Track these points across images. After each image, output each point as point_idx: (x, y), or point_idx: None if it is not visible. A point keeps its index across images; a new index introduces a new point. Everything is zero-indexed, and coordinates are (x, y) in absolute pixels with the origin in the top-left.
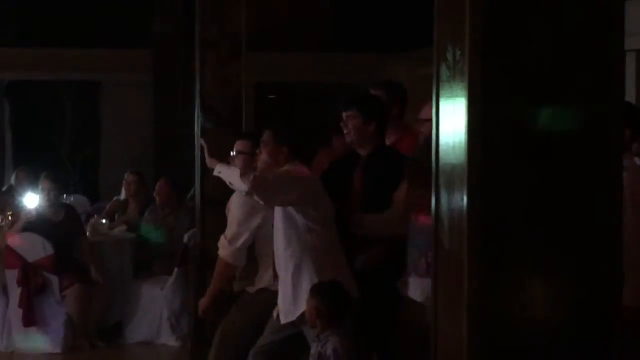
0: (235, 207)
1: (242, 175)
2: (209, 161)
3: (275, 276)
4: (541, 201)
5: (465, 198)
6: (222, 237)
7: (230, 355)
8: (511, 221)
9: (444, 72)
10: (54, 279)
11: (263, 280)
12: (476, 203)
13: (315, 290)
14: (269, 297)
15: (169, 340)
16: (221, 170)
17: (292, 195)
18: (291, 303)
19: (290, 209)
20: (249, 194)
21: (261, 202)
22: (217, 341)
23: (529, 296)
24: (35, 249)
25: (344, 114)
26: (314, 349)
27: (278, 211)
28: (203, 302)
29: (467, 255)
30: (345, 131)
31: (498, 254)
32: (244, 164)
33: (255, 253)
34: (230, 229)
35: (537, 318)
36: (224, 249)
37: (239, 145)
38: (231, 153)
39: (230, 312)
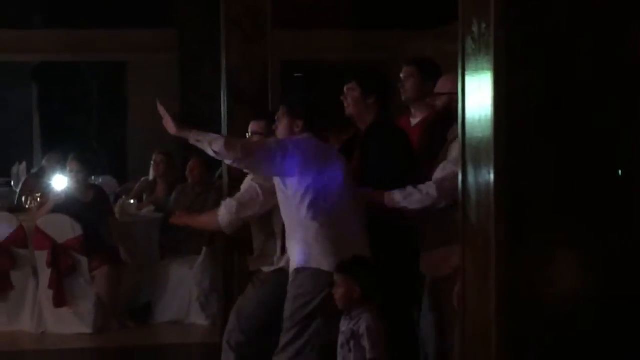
0: (255, 180)
1: (227, 143)
2: (175, 130)
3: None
4: (568, 174)
5: (492, 172)
6: (230, 200)
7: (244, 335)
8: (538, 194)
9: (470, 45)
10: (84, 260)
11: (281, 260)
12: (503, 176)
13: (345, 268)
14: (286, 278)
15: (199, 319)
16: (199, 139)
17: (282, 161)
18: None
19: (288, 182)
20: (235, 162)
21: (248, 171)
22: (232, 319)
23: (555, 270)
24: (65, 230)
25: (345, 87)
26: (345, 327)
27: (278, 184)
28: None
29: (494, 229)
30: (345, 104)
31: (525, 228)
32: None
33: (274, 232)
34: (244, 197)
35: (564, 292)
36: (228, 214)
37: (253, 125)
38: (246, 134)
39: (246, 291)
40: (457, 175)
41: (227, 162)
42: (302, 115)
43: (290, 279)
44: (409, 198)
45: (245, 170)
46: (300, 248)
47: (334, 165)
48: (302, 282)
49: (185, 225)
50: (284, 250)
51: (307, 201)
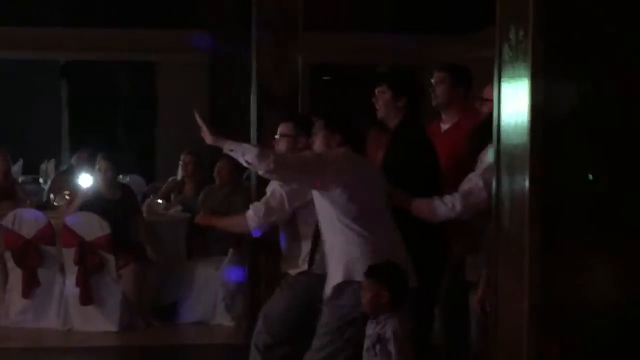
0: (281, 184)
1: (260, 154)
2: (211, 139)
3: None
4: (604, 182)
5: (526, 179)
6: (258, 204)
7: (271, 337)
8: (572, 202)
9: (507, 52)
10: (111, 258)
11: (307, 262)
12: (538, 184)
13: (374, 273)
14: (311, 280)
15: (224, 320)
16: (233, 149)
17: (318, 177)
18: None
19: (326, 194)
20: (267, 174)
21: (281, 182)
22: (259, 322)
23: (589, 277)
24: (92, 228)
25: (376, 90)
26: (371, 330)
27: (316, 197)
28: (202, 219)
29: (528, 236)
30: (376, 107)
31: (559, 235)
32: (287, 146)
33: (299, 234)
34: (270, 201)
35: (597, 299)
36: (256, 217)
37: (282, 127)
38: (275, 136)
39: (274, 293)
40: (481, 188)
41: (260, 172)
42: (340, 129)
43: (331, 292)
44: (433, 210)
45: (277, 181)
46: (342, 263)
47: (373, 178)
48: (345, 297)
49: (209, 227)
50: (312, 253)
51: (347, 215)
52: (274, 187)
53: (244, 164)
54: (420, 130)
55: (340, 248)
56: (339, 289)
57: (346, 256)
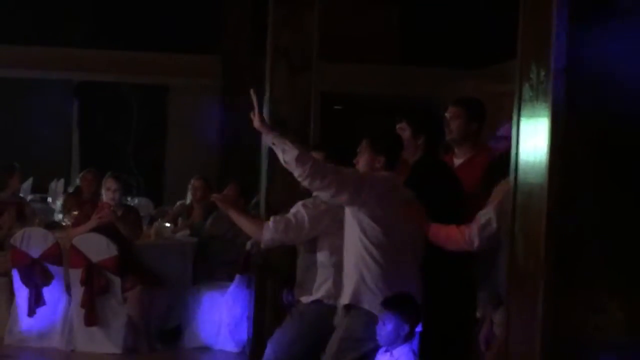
0: (305, 207)
1: (300, 157)
2: (258, 124)
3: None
4: (621, 224)
5: (543, 218)
6: (280, 218)
7: None
8: (588, 243)
9: (527, 91)
10: (117, 280)
11: (320, 291)
12: (554, 223)
13: (395, 304)
14: (324, 310)
15: (228, 346)
16: (275, 143)
17: (355, 195)
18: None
19: (357, 213)
20: (300, 178)
21: (312, 190)
22: (268, 349)
23: (606, 319)
24: (100, 249)
25: (396, 127)
26: None
27: (347, 214)
28: (222, 200)
29: (543, 276)
30: None
31: (575, 276)
32: None
33: (316, 261)
34: (291, 220)
35: (612, 340)
36: (273, 230)
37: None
38: None
39: (285, 321)
40: (493, 220)
41: (295, 175)
42: (385, 151)
43: (340, 314)
44: (449, 238)
45: (308, 187)
46: (355, 285)
47: (408, 210)
48: (353, 322)
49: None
50: (336, 284)
51: (371, 239)
52: (298, 209)
53: (281, 162)
54: (442, 162)
55: (355, 270)
56: (347, 311)
57: (358, 279)
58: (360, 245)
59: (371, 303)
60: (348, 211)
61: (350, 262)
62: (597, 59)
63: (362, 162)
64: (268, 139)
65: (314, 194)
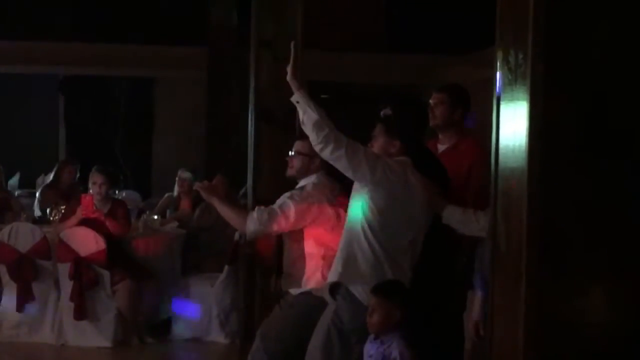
0: (292, 198)
1: (318, 122)
2: (291, 76)
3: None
4: (602, 206)
5: (524, 202)
6: (264, 210)
7: (268, 356)
8: (570, 226)
9: (506, 75)
10: (106, 274)
11: (309, 283)
12: (535, 207)
13: (384, 291)
14: (313, 301)
15: (218, 337)
16: (299, 101)
17: (362, 171)
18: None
19: (363, 193)
20: (313, 142)
21: (323, 157)
22: (257, 340)
23: (588, 302)
24: (88, 243)
25: (381, 113)
26: (374, 350)
27: (354, 192)
28: (205, 189)
29: (525, 260)
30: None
31: (557, 260)
32: (302, 165)
33: (304, 253)
34: (275, 212)
35: (596, 324)
36: (257, 222)
37: (298, 145)
38: (290, 153)
39: (273, 312)
40: None
41: (310, 137)
42: (399, 135)
43: (327, 296)
44: (465, 221)
45: (319, 153)
46: (344, 263)
47: (417, 206)
48: (339, 308)
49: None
50: (325, 276)
51: (371, 223)
52: (284, 200)
53: (300, 121)
54: (426, 148)
55: (348, 248)
56: (333, 292)
57: (349, 257)
58: (359, 225)
59: (358, 287)
60: (355, 187)
61: (345, 240)
62: (575, 41)
63: (376, 146)
64: (294, 95)
65: (300, 184)
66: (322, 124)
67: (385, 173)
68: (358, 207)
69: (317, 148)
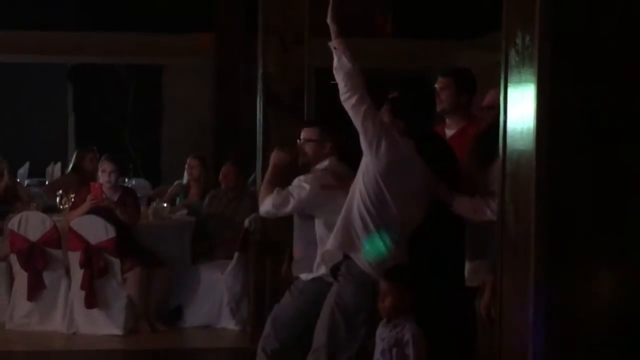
0: (307, 182)
1: (349, 72)
2: (330, 18)
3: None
4: (610, 189)
5: (532, 185)
6: (280, 193)
7: (279, 342)
8: (578, 208)
9: (513, 57)
10: (116, 262)
11: (320, 268)
12: (544, 190)
13: (396, 276)
14: (324, 287)
15: (229, 324)
16: (336, 47)
17: (368, 129)
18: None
19: (368, 162)
20: (340, 91)
21: (346, 107)
22: (267, 326)
23: (596, 285)
24: (98, 231)
25: (389, 97)
26: (386, 333)
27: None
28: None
29: (534, 243)
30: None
31: (565, 242)
32: (312, 151)
33: (315, 238)
34: (287, 194)
35: (605, 305)
36: (271, 205)
37: (306, 132)
38: (298, 140)
39: (283, 298)
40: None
41: (339, 85)
42: (405, 115)
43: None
44: (476, 209)
45: (342, 102)
46: (341, 232)
47: (414, 183)
48: (342, 289)
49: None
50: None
51: (373, 197)
52: (298, 183)
53: (334, 67)
54: (435, 133)
55: (348, 219)
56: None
57: (349, 225)
58: (360, 200)
59: (359, 254)
60: (365, 153)
61: (347, 207)
62: (582, 22)
63: None
64: (332, 41)
65: (313, 169)
66: (354, 74)
67: (390, 147)
68: (360, 175)
69: (342, 97)
